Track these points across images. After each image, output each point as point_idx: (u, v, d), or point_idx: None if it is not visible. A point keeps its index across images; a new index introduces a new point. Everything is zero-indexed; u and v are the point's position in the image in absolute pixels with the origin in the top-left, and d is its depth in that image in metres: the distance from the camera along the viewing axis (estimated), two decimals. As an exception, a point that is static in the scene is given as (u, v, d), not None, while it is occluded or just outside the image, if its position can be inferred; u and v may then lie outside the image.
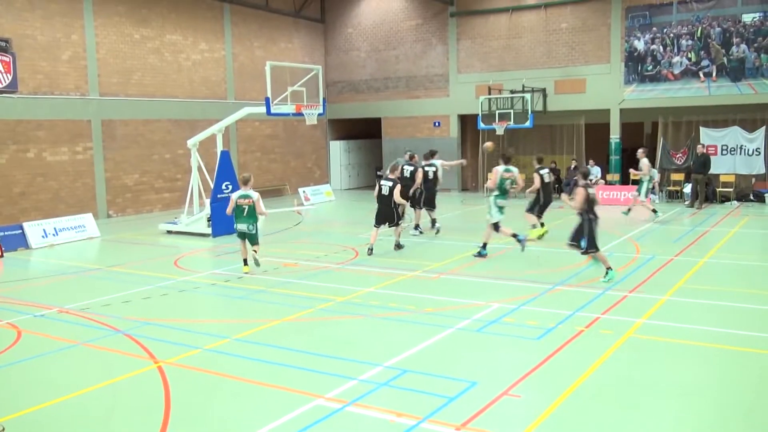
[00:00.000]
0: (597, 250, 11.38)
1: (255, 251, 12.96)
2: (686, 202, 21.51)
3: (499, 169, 14.05)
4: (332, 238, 16.83)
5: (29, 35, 19.06)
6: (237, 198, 12.85)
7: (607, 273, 11.39)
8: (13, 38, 18.46)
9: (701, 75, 22.67)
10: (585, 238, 11.27)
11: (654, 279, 11.68)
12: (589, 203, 11.22)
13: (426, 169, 16.79)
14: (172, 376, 7.55)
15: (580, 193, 11.15)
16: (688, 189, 21.76)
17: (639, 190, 18.56)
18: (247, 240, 12.98)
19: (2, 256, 15.57)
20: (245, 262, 13.05)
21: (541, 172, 15.82)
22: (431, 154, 17.52)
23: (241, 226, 12.88)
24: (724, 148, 22.71)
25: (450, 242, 15.86)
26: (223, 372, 7.66)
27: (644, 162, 18.47)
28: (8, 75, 18.42)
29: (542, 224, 16.39)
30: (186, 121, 23.52)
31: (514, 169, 14.18)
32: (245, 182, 13.03)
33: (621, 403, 6.65)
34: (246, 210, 12.78)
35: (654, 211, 18.54)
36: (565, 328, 8.92)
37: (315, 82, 17.82)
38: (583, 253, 11.57)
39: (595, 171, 23.83)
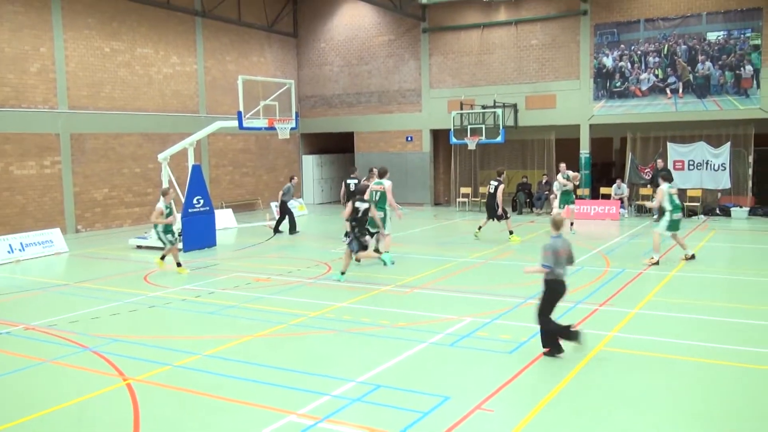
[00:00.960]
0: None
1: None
2: (654, 217, 21.82)
3: (370, 182, 15.29)
4: (305, 253, 16.76)
5: (-4, 47, 18.78)
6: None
7: (342, 273, 13.22)
8: (-20, 50, 18.23)
9: (668, 91, 23.12)
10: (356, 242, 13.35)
11: (624, 292, 11.82)
12: (354, 213, 13.38)
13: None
14: (141, 394, 7.43)
15: (349, 206, 13.47)
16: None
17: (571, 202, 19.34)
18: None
19: (-34, 271, 15.29)
20: (163, 257, 14.88)
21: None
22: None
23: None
24: (691, 163, 23.15)
25: (423, 257, 15.89)
26: (194, 389, 7.56)
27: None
28: (-26, 87, 18.15)
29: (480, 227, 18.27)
30: (157, 135, 23.32)
31: (385, 182, 15.05)
32: (163, 194, 14.71)
33: (594, 416, 6.70)
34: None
35: (572, 223, 19.36)
36: (538, 342, 8.94)
37: (287, 96, 17.83)
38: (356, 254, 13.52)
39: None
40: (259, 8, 27.72)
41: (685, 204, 22.70)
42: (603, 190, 24.57)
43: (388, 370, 8.02)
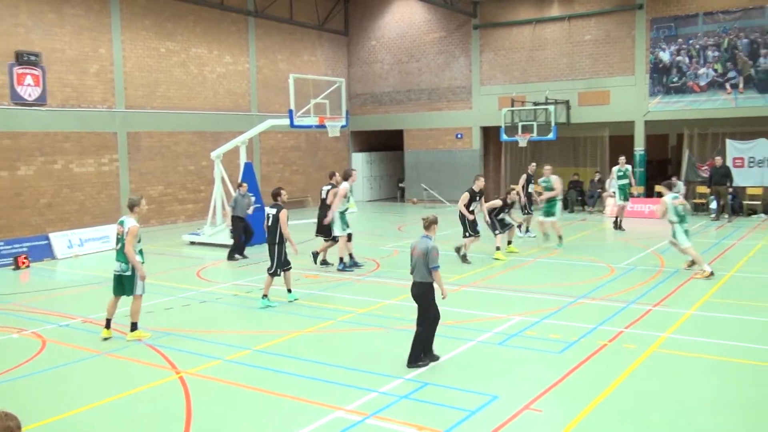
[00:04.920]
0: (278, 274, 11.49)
1: (131, 321, 9.51)
2: (712, 216, 21.19)
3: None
4: (354, 250, 16.81)
5: (58, 49, 19.38)
6: (117, 225, 9.74)
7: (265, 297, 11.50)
8: (43, 52, 18.86)
9: (728, 86, 22.40)
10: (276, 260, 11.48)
11: (679, 293, 11.52)
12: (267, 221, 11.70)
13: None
14: (193, 387, 7.58)
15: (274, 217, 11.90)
16: (714, 204, 21.40)
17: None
18: (123, 290, 9.53)
19: (29, 266, 15.80)
20: (108, 323, 9.54)
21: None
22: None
23: (115, 266, 9.64)
24: (751, 160, 22.39)
25: (471, 254, 15.77)
26: (244, 383, 7.68)
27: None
28: (37, 88, 18.81)
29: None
30: (210, 133, 23.75)
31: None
32: (130, 207, 9.68)
33: (645, 419, 6.54)
34: (120, 242, 9.57)
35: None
36: (588, 342, 8.82)
37: (338, 94, 17.92)
38: (271, 274, 11.45)
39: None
40: (310, 7, 27.94)
41: (745, 202, 22.02)
42: (658, 188, 23.90)
43: (435, 368, 8.00)
